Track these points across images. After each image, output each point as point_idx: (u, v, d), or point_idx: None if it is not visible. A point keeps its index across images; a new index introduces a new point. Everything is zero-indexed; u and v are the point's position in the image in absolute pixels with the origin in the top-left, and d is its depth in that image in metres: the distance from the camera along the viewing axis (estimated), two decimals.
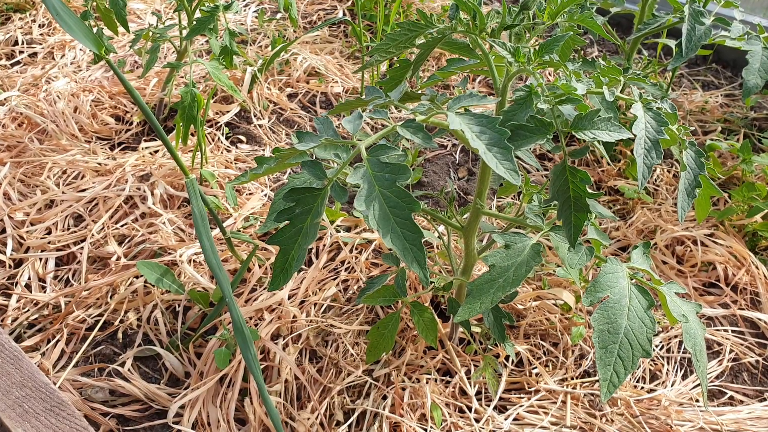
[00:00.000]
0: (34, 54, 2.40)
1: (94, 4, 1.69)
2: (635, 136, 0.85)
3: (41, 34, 2.58)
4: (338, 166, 0.92)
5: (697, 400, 1.33)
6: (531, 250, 0.93)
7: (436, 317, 1.20)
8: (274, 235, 0.90)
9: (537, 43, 0.93)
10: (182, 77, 2.18)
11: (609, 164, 2.06)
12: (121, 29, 1.93)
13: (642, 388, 1.40)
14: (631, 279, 0.91)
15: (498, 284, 0.91)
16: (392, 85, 1.22)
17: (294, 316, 1.35)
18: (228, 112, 2.09)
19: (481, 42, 1.01)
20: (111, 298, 1.44)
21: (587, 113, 0.82)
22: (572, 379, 1.38)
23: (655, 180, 1.98)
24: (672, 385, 1.39)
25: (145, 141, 1.96)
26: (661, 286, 0.93)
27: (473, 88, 2.34)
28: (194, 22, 1.60)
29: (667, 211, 1.82)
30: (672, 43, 1.97)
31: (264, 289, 1.43)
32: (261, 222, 1.61)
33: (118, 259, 1.52)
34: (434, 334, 1.17)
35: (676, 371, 1.44)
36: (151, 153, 1.88)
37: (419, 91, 1.09)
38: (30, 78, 2.18)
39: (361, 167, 0.85)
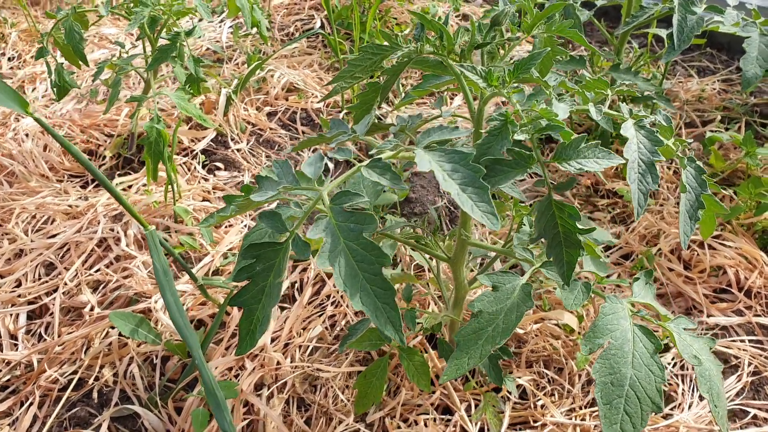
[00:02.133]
0: None
1: (51, 39, 1.60)
2: (627, 160, 0.76)
3: (11, 68, 2.50)
4: (300, 215, 0.84)
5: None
6: (521, 291, 0.84)
7: (430, 358, 1.11)
8: (235, 294, 0.82)
9: (513, 60, 0.84)
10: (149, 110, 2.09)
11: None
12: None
13: (657, 414, 1.30)
14: (634, 317, 0.82)
15: (487, 334, 0.82)
16: (362, 109, 1.13)
17: (278, 363, 1.27)
18: (204, 138, 2.00)
19: (450, 61, 0.92)
20: (86, 352, 1.35)
21: (571, 141, 0.73)
22: (581, 408, 1.29)
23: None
24: (689, 408, 1.30)
25: (119, 176, 1.88)
26: (669, 322, 0.84)
27: (451, 106, 2.24)
28: (156, 51, 1.51)
29: (669, 212, 1.73)
30: (663, 32, 1.86)
31: None
32: None
33: (92, 309, 1.43)
34: (426, 378, 1.08)
35: (693, 391, 1.34)
36: (124, 189, 1.79)
37: (392, 116, 1.00)
38: None
39: (323, 218, 0.76)
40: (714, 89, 2.19)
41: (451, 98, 2.21)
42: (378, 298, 0.72)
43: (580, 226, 0.74)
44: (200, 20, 2.54)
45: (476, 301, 0.84)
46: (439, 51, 0.89)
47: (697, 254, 1.59)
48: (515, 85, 0.80)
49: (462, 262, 1.07)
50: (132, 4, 1.56)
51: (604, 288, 1.50)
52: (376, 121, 0.98)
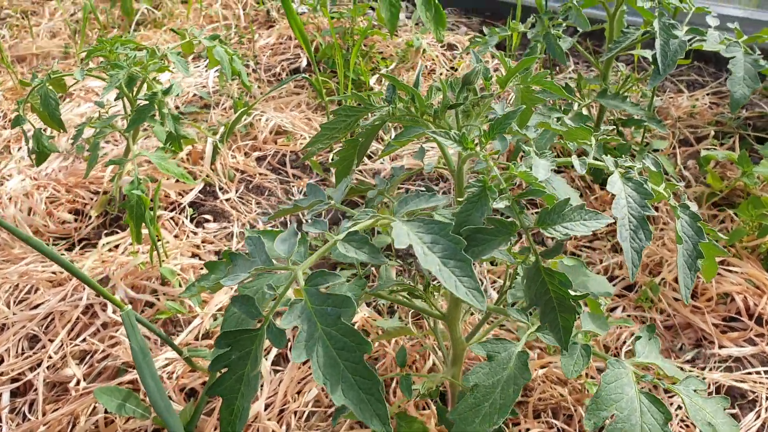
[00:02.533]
0: None
1: (29, 105, 1.57)
2: (616, 218, 0.72)
3: None
4: (277, 294, 0.79)
5: None
6: (517, 361, 0.79)
7: (432, 415, 1.05)
8: (213, 384, 0.77)
9: (489, 117, 0.80)
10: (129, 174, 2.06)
11: (602, 190, 1.92)
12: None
13: None
14: (640, 383, 0.76)
15: (484, 411, 0.77)
16: (343, 165, 1.09)
17: (273, 431, 1.21)
18: (191, 190, 1.96)
19: (426, 123, 0.88)
20: (71, 431, 1.30)
21: (555, 206, 0.68)
22: None
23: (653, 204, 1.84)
24: None
25: (106, 235, 1.83)
26: (678, 385, 0.78)
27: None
28: (135, 112, 1.48)
29: (671, 239, 1.67)
30: (649, 53, 1.83)
31: None
32: None
33: (78, 383, 1.38)
34: None
35: None
36: (111, 249, 1.75)
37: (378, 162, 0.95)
38: None
39: (297, 303, 0.71)
40: (705, 104, 2.15)
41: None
42: (362, 390, 0.67)
43: (572, 293, 0.69)
44: (182, 77, 2.53)
45: (471, 374, 0.79)
46: (412, 113, 0.85)
47: (703, 282, 1.53)
48: (491, 141, 0.76)
49: (457, 318, 1.02)
50: (108, 67, 1.53)
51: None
52: (354, 182, 0.94)
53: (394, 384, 1.29)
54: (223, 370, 0.77)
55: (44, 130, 1.67)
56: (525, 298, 0.72)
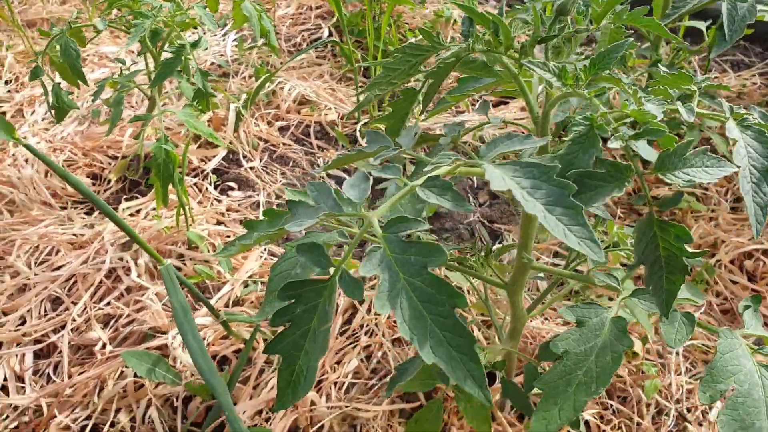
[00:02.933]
0: (2, 113, 2.21)
1: (47, 58, 1.49)
2: (738, 167, 0.64)
3: (8, 91, 2.39)
4: (347, 245, 0.72)
5: None
6: (612, 327, 0.72)
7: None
8: (272, 341, 0.69)
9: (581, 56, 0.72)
10: (155, 130, 1.98)
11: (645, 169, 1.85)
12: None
13: None
14: (755, 354, 0.70)
15: (577, 380, 0.70)
16: (395, 120, 1.01)
17: (312, 403, 1.14)
18: (215, 156, 1.89)
19: (507, 60, 0.80)
20: (99, 395, 1.23)
21: (676, 148, 0.61)
22: None
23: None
24: None
25: (126, 200, 1.76)
26: None
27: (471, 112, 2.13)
28: (160, 66, 1.40)
29: (725, 219, 1.60)
30: (701, 24, 1.75)
31: (274, 370, 1.22)
32: (262, 285, 1.40)
33: (104, 346, 1.31)
34: (487, 421, 0.96)
35: None
36: (132, 214, 1.68)
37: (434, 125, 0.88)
38: None
39: (376, 251, 0.64)
40: (755, 84, 2.08)
41: (473, 105, 2.09)
42: (453, 347, 0.59)
43: (689, 249, 0.62)
44: (205, 32, 2.44)
45: (559, 340, 0.72)
46: (494, 47, 0.77)
47: (764, 264, 1.47)
48: (590, 82, 0.69)
49: (521, 288, 0.95)
50: (131, 17, 1.45)
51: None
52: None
53: None
54: (285, 326, 0.70)
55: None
56: (634, 256, 0.65)
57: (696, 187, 1.71)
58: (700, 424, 1.20)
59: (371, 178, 0.72)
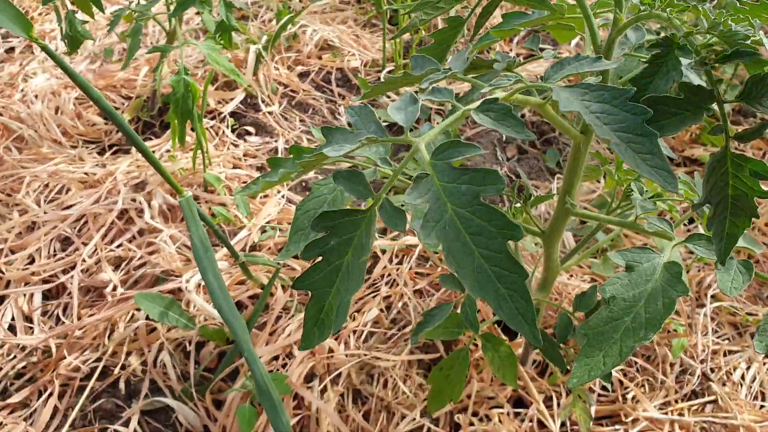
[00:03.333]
0: (11, 49, 2.14)
1: None
2: None
3: None
4: (390, 174, 0.66)
5: None
6: (665, 272, 0.66)
7: (513, 351, 0.94)
8: (302, 276, 0.64)
9: None
10: (176, 62, 1.90)
11: None
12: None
13: (762, 407, 1.13)
14: None
15: (625, 326, 0.64)
16: (439, 51, 0.94)
17: (330, 350, 1.10)
18: (232, 99, 1.82)
19: None
20: (109, 338, 1.20)
21: (766, 74, 0.54)
22: (677, 402, 1.12)
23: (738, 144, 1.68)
24: None
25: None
26: None
27: (511, 51, 2.04)
28: None
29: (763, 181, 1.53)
30: None
31: (291, 317, 1.17)
32: (281, 232, 1.35)
33: (115, 288, 1.27)
34: (513, 371, 0.92)
35: None
36: None
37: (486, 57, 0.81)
38: (6, 76, 1.92)
39: (422, 177, 0.58)
40: None
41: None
42: (502, 284, 0.54)
43: (764, 188, 0.56)
44: None
45: (607, 285, 0.67)
46: None
47: None
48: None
49: (559, 237, 0.89)
50: None
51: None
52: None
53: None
54: (316, 260, 0.65)
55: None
56: (702, 194, 0.59)
57: (735, 148, 1.63)
58: (724, 384, 1.16)
59: (420, 100, 0.65)
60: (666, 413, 1.10)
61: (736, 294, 0.65)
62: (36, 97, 1.76)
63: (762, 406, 1.13)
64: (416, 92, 0.67)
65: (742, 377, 1.17)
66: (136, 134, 0.81)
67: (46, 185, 1.50)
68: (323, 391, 1.07)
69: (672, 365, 1.17)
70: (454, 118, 0.62)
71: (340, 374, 1.09)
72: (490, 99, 0.60)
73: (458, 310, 0.92)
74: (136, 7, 1.39)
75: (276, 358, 1.11)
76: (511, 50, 1.99)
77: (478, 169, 0.56)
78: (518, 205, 0.97)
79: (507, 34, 1.00)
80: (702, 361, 1.19)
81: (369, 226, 0.62)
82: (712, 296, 1.29)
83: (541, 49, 0.90)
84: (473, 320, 0.87)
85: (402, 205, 0.67)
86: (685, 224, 1.43)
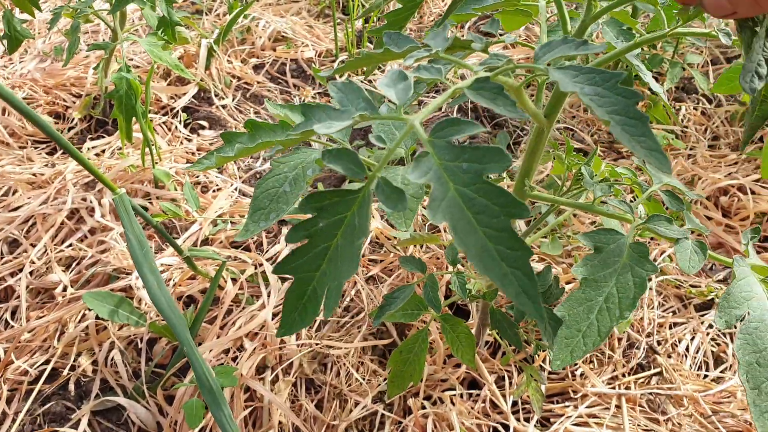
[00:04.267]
0: None
1: None
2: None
3: None
4: (384, 152, 0.64)
5: None
6: (632, 251, 0.68)
7: (471, 331, 0.95)
8: (284, 259, 0.59)
9: None
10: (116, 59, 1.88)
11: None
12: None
13: (706, 377, 1.17)
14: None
15: (599, 305, 0.66)
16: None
17: (281, 341, 1.11)
18: (185, 94, 1.80)
19: None
20: (59, 339, 1.19)
21: None
22: (624, 376, 1.15)
23: (683, 120, 1.72)
24: None
25: (91, 139, 1.68)
26: None
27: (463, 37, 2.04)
28: None
29: (703, 156, 1.57)
30: None
31: (242, 310, 1.17)
32: (232, 225, 1.35)
33: (65, 289, 1.26)
34: (471, 351, 0.93)
35: None
36: (98, 153, 1.60)
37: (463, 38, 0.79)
38: None
39: (424, 156, 0.55)
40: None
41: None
42: (506, 261, 0.52)
43: None
44: None
45: (579, 265, 0.68)
46: None
47: (738, 200, 1.44)
48: None
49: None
50: None
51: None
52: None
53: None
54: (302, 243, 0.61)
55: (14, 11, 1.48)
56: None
57: (675, 124, 1.67)
58: (669, 356, 1.19)
59: (410, 77, 0.62)
60: (614, 387, 1.13)
61: (693, 272, 0.68)
62: None
63: (705, 376, 1.16)
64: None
65: (687, 348, 1.20)
66: (60, 135, 0.79)
67: None
68: (275, 381, 1.07)
69: (619, 340, 1.20)
70: (447, 95, 0.60)
71: (291, 364, 1.10)
72: (482, 78, 0.58)
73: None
74: (75, 5, 1.37)
75: (227, 351, 1.11)
76: (462, 35, 2.00)
77: (480, 146, 0.55)
78: None
79: (464, 18, 1.01)
80: (648, 335, 1.22)
81: (362, 206, 0.58)
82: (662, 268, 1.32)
83: (501, 34, 0.90)
84: (435, 301, 0.88)
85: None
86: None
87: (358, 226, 0.56)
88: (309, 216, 0.57)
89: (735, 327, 0.64)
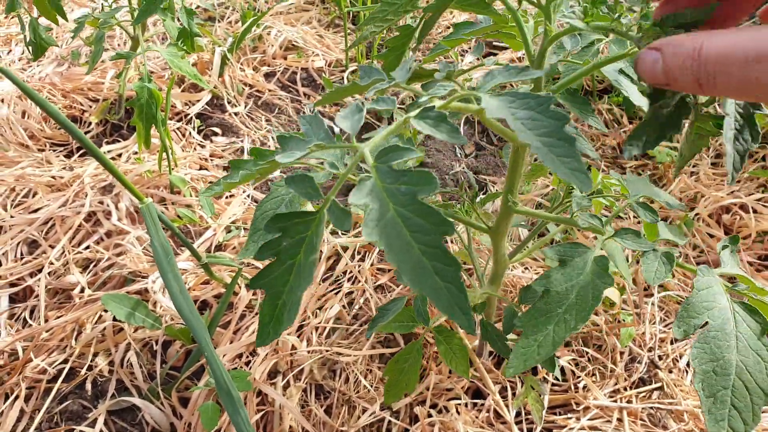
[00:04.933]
0: None
1: None
2: (726, 114, 0.63)
3: None
4: (338, 177, 0.69)
5: None
6: (594, 266, 0.71)
7: (465, 342, 0.98)
8: (257, 275, 0.67)
9: None
10: (138, 68, 1.92)
11: (630, 123, 1.83)
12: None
13: None
14: (730, 292, 0.69)
15: (557, 316, 0.69)
16: (392, 58, 0.98)
17: (293, 347, 1.14)
18: (198, 101, 1.84)
19: None
20: (76, 339, 1.22)
21: None
22: (625, 390, 1.18)
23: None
24: None
25: (107, 143, 1.72)
26: None
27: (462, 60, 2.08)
28: (143, 2, 1.34)
29: (706, 174, 1.60)
30: None
31: (255, 315, 1.21)
32: (245, 231, 1.38)
33: (82, 290, 1.29)
34: (465, 363, 0.96)
35: None
36: (113, 158, 1.64)
37: (429, 66, 0.85)
38: None
39: (366, 180, 0.61)
40: None
41: (462, 55, 2.05)
42: (440, 276, 0.57)
43: None
44: None
45: (541, 278, 0.71)
46: None
47: (740, 218, 1.47)
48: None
49: (505, 233, 0.94)
50: None
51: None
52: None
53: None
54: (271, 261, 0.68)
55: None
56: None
57: (679, 141, 1.70)
58: (670, 371, 1.22)
59: (364, 109, 0.68)
60: (615, 401, 1.16)
61: (657, 283, 0.70)
62: (2, 101, 1.76)
63: None
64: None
65: (688, 364, 1.23)
66: (93, 144, 0.83)
67: (13, 189, 1.51)
68: (286, 386, 1.10)
69: (621, 354, 1.23)
70: (396, 125, 0.65)
71: (302, 370, 1.13)
72: (427, 107, 0.63)
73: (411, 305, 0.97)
74: (99, 14, 1.41)
75: (240, 355, 1.15)
76: (462, 59, 2.04)
77: (415, 171, 0.59)
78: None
79: (456, 44, 1.05)
80: (650, 350, 1.25)
81: (318, 226, 0.65)
82: (660, 285, 1.36)
83: (485, 56, 0.94)
84: (424, 314, 0.92)
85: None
86: (635, 217, 1.49)
87: (315, 244, 0.62)
88: (275, 236, 0.63)
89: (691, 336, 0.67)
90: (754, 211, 1.47)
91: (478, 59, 0.90)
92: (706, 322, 0.66)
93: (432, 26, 0.83)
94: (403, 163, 0.60)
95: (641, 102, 0.91)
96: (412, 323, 0.97)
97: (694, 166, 1.66)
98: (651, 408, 1.15)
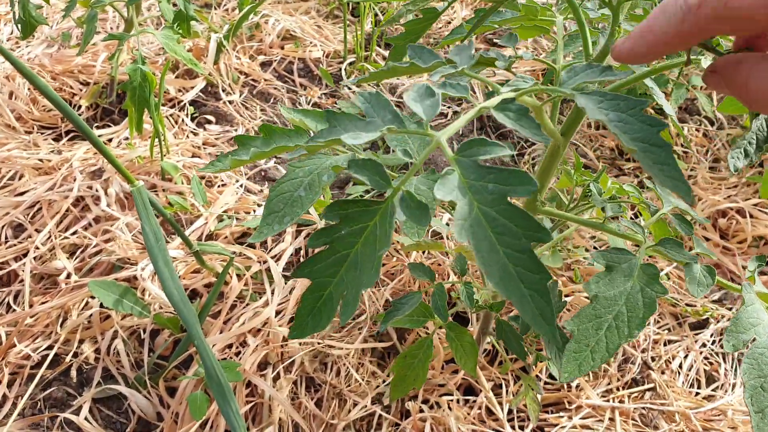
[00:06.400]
0: None
1: None
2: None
3: None
4: (410, 167, 0.64)
5: None
6: (642, 272, 0.70)
7: (475, 341, 0.97)
8: (303, 263, 0.61)
9: None
10: (133, 51, 1.88)
11: None
12: None
13: (698, 395, 1.19)
14: None
15: (608, 323, 0.68)
16: (407, 40, 0.95)
17: (284, 338, 1.12)
18: (192, 88, 1.81)
19: None
20: (62, 325, 1.19)
21: None
22: (618, 390, 1.17)
23: (684, 142, 1.75)
24: (733, 389, 1.19)
25: (97, 128, 1.68)
26: None
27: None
28: None
29: (704, 177, 1.60)
30: None
31: (245, 306, 1.18)
32: (237, 221, 1.36)
33: (69, 276, 1.26)
34: (474, 361, 0.95)
35: (736, 370, 1.23)
36: (104, 142, 1.60)
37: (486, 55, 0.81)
38: None
39: (450, 174, 0.56)
40: None
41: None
42: (525, 283, 0.53)
43: None
44: None
45: (591, 282, 0.70)
46: None
47: (737, 223, 1.47)
48: None
49: None
50: None
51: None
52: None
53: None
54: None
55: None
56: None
57: (677, 145, 1.70)
58: (663, 372, 1.21)
59: (439, 93, 0.63)
60: (608, 400, 1.15)
61: (701, 296, 0.70)
62: None
63: (697, 393, 1.19)
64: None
65: (680, 366, 1.23)
66: (83, 122, 0.80)
67: None
68: (276, 378, 1.08)
69: (615, 355, 1.22)
70: (473, 113, 0.61)
71: (293, 362, 1.11)
72: (507, 98, 0.58)
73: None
74: None
75: (230, 346, 1.12)
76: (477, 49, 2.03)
77: (506, 169, 0.55)
78: None
79: (482, 31, 1.02)
80: (643, 351, 1.25)
81: (385, 216, 0.58)
82: None
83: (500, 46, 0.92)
84: (443, 310, 0.90)
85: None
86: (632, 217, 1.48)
87: (380, 237, 0.57)
88: (332, 223, 0.58)
89: (741, 350, 0.67)
90: (751, 216, 1.47)
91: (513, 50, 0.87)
92: (755, 339, 0.65)
93: (488, 18, 0.80)
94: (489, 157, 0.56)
95: (670, 110, 0.89)
96: (424, 318, 0.95)
97: (691, 170, 1.66)
98: (643, 408, 1.14)
